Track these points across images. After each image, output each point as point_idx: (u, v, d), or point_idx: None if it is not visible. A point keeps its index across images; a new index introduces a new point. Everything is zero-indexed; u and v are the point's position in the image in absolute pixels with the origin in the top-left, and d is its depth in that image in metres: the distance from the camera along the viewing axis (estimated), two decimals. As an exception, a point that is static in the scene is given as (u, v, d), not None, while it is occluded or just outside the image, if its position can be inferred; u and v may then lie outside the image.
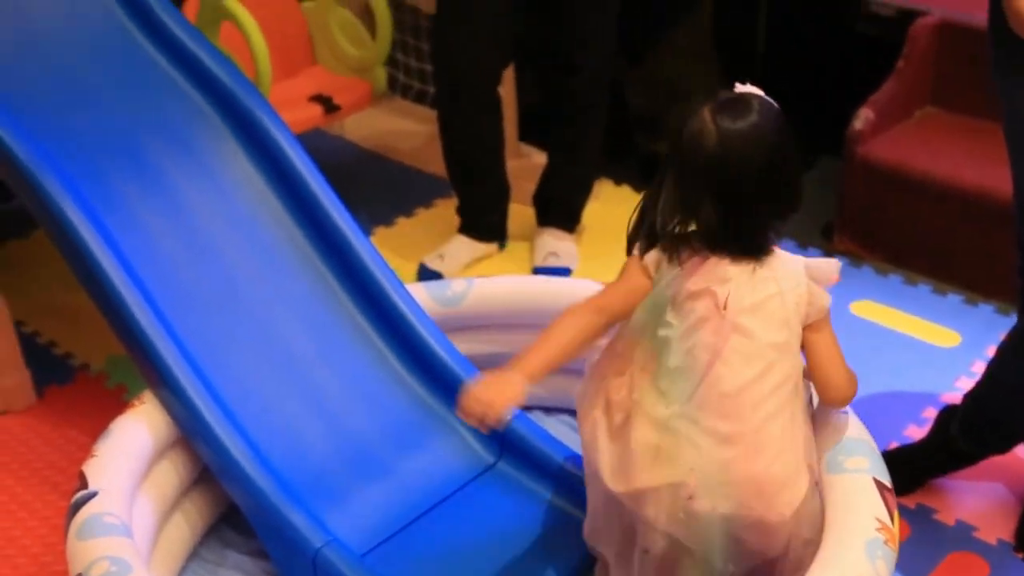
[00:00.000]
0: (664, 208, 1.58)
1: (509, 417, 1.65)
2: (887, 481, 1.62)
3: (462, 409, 1.59)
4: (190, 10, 2.70)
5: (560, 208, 2.83)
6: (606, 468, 1.59)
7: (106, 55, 2.23)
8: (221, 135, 2.19)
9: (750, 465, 1.50)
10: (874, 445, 1.69)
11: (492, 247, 2.87)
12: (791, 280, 1.55)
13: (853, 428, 1.71)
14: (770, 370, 1.53)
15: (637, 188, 3.01)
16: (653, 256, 1.59)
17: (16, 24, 2.19)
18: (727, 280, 1.53)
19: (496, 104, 2.69)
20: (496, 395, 1.55)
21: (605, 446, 1.60)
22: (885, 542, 1.49)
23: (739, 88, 1.56)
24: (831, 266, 1.59)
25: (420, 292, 2.15)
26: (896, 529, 1.57)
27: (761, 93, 1.55)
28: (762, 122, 1.51)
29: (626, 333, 1.62)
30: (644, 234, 1.62)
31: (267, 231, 2.13)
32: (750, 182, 1.51)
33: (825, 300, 1.58)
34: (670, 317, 1.55)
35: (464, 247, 2.81)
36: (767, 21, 2.78)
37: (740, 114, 1.51)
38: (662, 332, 1.55)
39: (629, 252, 1.65)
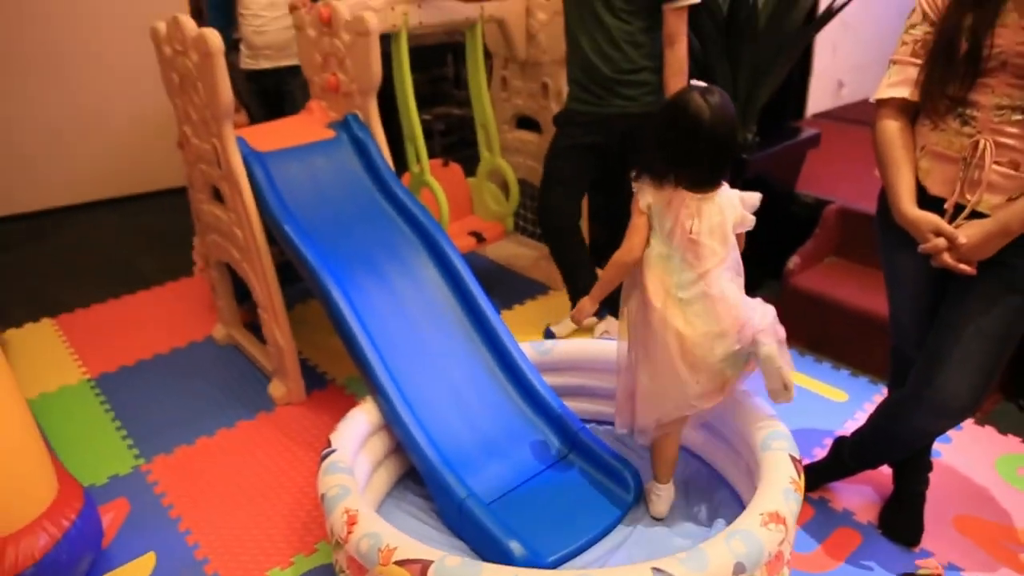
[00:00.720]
0: (655, 166, 1.58)
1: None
2: (798, 455, 1.64)
3: (573, 317, 1.83)
4: (405, 179, 2.77)
5: (612, 303, 2.73)
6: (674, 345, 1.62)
7: (360, 204, 2.28)
8: (420, 253, 2.21)
9: (732, 311, 1.59)
10: (790, 435, 1.69)
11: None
12: (731, 208, 1.59)
13: (779, 425, 1.73)
14: (722, 260, 1.59)
15: None
16: (645, 200, 1.60)
17: (314, 186, 2.26)
18: (692, 216, 1.56)
19: (580, 235, 2.64)
20: (584, 309, 1.76)
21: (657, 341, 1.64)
22: (795, 490, 1.52)
23: (695, 82, 1.55)
24: (755, 198, 1.61)
25: (527, 347, 2.15)
26: (802, 482, 1.58)
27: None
28: (726, 99, 1.52)
29: (645, 263, 1.63)
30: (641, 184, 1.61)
31: (442, 308, 2.14)
32: (730, 139, 1.53)
33: (751, 220, 1.61)
34: (664, 245, 1.59)
35: (570, 322, 2.73)
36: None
37: (716, 95, 1.51)
38: (664, 251, 1.60)
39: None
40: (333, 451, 1.71)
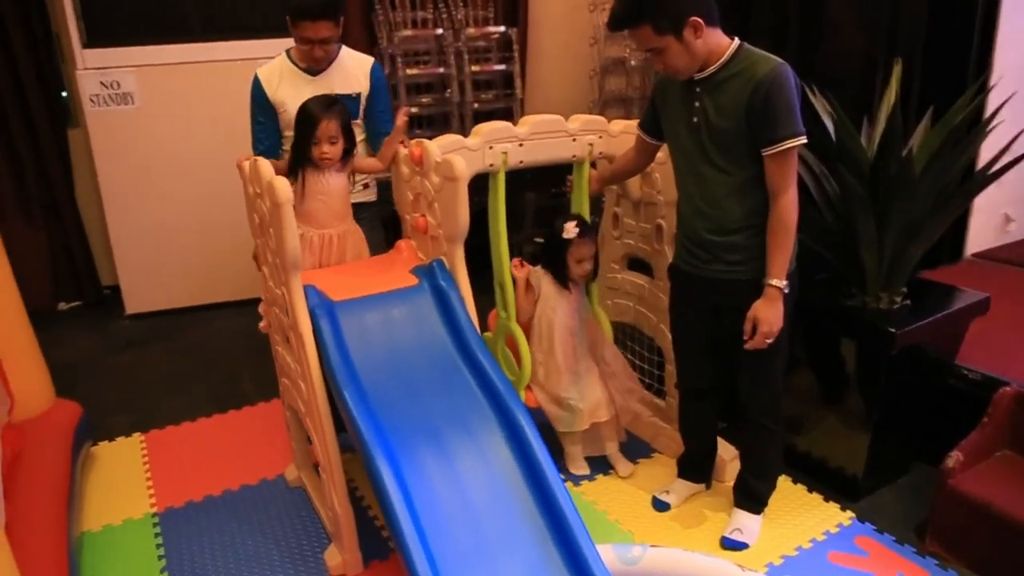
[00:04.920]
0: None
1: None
2: None
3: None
4: (493, 317, 2.53)
5: (749, 494, 2.20)
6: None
7: (434, 365, 1.96)
8: (493, 429, 1.84)
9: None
10: None
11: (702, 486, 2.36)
12: None
13: None
14: None
15: (809, 488, 2.39)
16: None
17: (388, 341, 1.97)
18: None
19: (707, 400, 2.26)
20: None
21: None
22: None
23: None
24: None
25: (607, 552, 1.73)
26: None
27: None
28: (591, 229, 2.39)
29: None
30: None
31: (511, 499, 1.75)
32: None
33: None
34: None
35: (682, 486, 2.35)
36: (887, 370, 2.20)
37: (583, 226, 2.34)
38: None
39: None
40: None
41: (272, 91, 2.44)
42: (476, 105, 4.41)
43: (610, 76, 4.54)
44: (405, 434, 1.80)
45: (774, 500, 2.25)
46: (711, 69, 1.86)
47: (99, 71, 3.70)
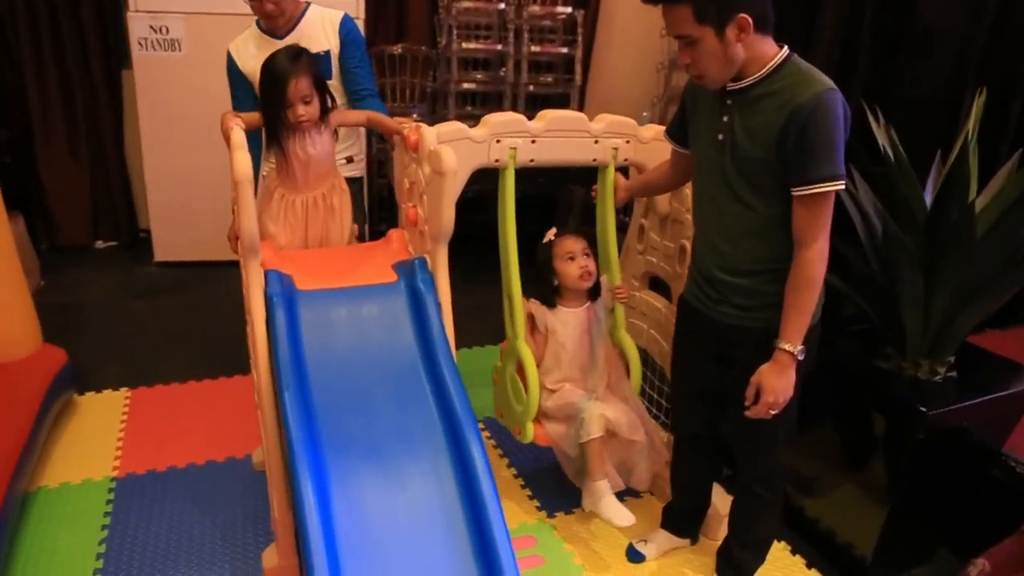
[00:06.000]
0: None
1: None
2: None
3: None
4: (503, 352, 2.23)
5: (731, 564, 1.96)
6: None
7: (392, 377, 1.76)
8: (438, 449, 1.65)
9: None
10: None
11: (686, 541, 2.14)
12: None
13: None
14: None
15: (809, 563, 2.13)
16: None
17: (350, 342, 1.77)
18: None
19: (705, 450, 2.02)
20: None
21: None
22: None
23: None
24: None
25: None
26: None
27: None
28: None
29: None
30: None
31: (440, 524, 1.56)
32: None
33: None
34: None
35: (664, 539, 2.13)
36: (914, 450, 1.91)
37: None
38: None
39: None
40: None
41: (243, 62, 2.32)
42: (532, 87, 4.19)
43: (678, 71, 4.23)
44: (341, 448, 1.62)
45: (764, 570, 2.00)
46: (747, 81, 1.59)
47: (149, 14, 3.64)
